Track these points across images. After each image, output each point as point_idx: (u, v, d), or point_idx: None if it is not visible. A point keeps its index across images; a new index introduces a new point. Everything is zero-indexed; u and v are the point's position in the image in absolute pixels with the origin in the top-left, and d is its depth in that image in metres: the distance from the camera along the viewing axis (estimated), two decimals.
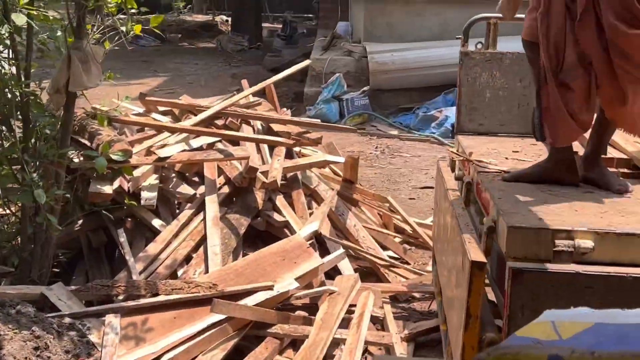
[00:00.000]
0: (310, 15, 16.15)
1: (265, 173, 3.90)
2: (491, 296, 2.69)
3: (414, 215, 4.76)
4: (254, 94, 4.74)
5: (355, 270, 3.75)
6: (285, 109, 5.08)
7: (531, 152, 3.09)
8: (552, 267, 2.01)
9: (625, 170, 2.71)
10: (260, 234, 3.84)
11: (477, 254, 2.21)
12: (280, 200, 3.91)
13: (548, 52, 2.36)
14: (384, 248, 4.12)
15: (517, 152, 3.13)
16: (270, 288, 3.19)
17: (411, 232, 4.34)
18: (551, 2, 2.34)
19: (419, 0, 8.79)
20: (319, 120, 5.04)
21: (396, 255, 4.14)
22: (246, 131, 4.28)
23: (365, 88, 8.18)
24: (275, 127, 4.36)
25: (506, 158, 2.99)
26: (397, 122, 7.97)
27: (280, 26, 13.87)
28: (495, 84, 3.51)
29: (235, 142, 4.18)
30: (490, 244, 2.31)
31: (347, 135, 7.16)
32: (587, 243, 2.03)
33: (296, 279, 3.28)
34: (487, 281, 2.71)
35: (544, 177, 2.51)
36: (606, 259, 2.04)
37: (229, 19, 15.65)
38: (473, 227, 2.52)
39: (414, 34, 8.65)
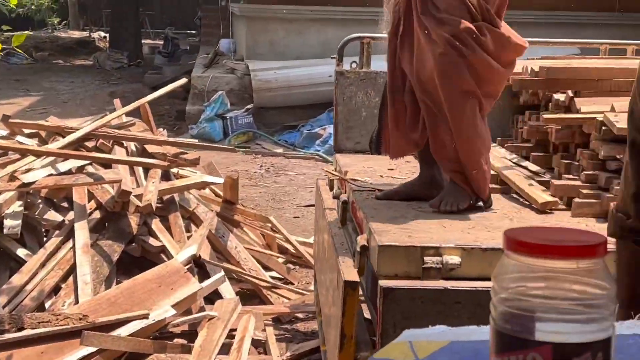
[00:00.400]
0: (193, 32, 15.98)
1: (139, 196, 3.77)
2: (368, 314, 2.70)
3: (299, 234, 4.75)
4: (129, 114, 4.58)
5: (237, 293, 3.68)
6: (161, 129, 4.94)
7: (405, 170, 3.15)
8: (422, 284, 2.03)
9: (493, 186, 2.80)
10: (136, 260, 3.70)
11: (350, 274, 2.21)
12: (156, 224, 3.79)
13: (394, 73, 2.44)
14: (267, 269, 4.07)
15: (392, 169, 3.18)
16: (145, 316, 3.06)
17: (294, 251, 4.32)
18: (397, 26, 2.42)
19: (300, 18, 8.87)
20: (196, 141, 4.94)
21: (279, 276, 4.10)
22: (119, 153, 4.12)
23: (249, 106, 8.15)
24: (151, 148, 4.23)
25: (381, 176, 3.03)
26: (282, 140, 7.98)
27: (162, 42, 13.63)
28: (371, 102, 3.56)
29: (107, 165, 4.02)
30: (364, 262, 2.31)
31: (231, 154, 7.08)
32: (455, 259, 2.06)
33: (173, 306, 3.17)
34: (364, 299, 2.73)
35: (415, 194, 2.55)
36: (473, 274, 2.08)
37: (107, 35, 15.22)
38: (349, 246, 2.52)
39: (297, 52, 8.72)
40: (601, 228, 2.01)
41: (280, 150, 7.67)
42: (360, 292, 2.36)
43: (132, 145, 4.29)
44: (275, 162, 7.25)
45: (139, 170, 4.11)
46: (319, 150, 7.46)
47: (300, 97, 8.26)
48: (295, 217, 5.52)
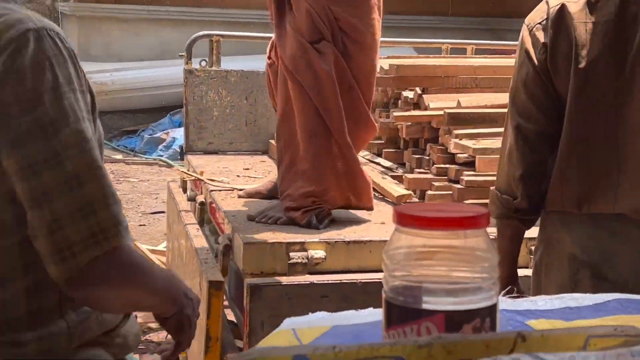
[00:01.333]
0: None
1: None
2: (231, 316, 2.64)
3: (146, 242, 4.58)
4: None
5: None
6: None
7: (261, 169, 3.15)
8: (288, 279, 2.02)
9: None
10: None
11: (213, 274, 2.15)
12: None
13: None
14: None
15: (248, 169, 3.16)
16: None
17: None
18: None
19: (136, 18, 8.58)
20: None
21: None
22: None
23: None
24: None
25: (238, 176, 2.99)
26: (122, 145, 7.67)
27: None
28: (222, 102, 3.51)
29: None
30: (227, 262, 2.26)
31: None
32: (320, 253, 2.08)
33: None
34: (227, 302, 2.66)
35: (277, 192, 2.52)
36: (338, 267, 2.10)
37: None
38: (209, 247, 2.46)
39: (134, 54, 8.42)
40: None
41: (119, 156, 7.36)
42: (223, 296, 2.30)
43: None
44: (115, 168, 6.94)
45: None
46: (162, 155, 7.24)
47: (139, 101, 7.98)
48: (141, 225, 5.31)
